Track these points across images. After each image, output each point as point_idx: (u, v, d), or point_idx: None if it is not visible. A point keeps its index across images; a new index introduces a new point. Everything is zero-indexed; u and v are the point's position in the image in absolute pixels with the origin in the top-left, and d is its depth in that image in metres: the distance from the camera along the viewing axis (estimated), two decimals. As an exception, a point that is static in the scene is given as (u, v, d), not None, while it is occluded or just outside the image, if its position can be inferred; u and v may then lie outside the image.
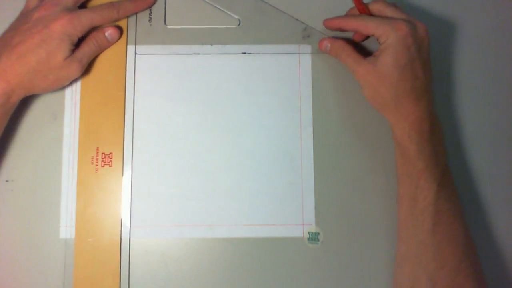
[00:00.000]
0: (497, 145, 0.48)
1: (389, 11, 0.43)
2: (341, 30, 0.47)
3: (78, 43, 0.44)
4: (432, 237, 0.40)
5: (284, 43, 0.48)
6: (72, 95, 0.47)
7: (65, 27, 0.42)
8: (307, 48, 0.48)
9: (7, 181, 0.46)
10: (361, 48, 0.47)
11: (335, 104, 0.47)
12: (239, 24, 0.48)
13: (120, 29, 0.47)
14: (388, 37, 0.40)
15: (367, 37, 0.47)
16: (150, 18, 0.48)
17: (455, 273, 0.39)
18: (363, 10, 0.44)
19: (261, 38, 0.48)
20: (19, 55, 0.42)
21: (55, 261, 0.45)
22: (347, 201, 0.46)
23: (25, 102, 0.47)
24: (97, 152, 0.46)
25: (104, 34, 0.46)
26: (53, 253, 0.45)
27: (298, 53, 0.48)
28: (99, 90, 0.47)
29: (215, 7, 0.49)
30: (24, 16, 0.44)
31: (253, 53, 0.48)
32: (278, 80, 0.47)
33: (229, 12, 0.49)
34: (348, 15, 0.46)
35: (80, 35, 0.44)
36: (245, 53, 0.48)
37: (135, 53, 0.48)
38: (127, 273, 0.45)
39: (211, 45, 0.48)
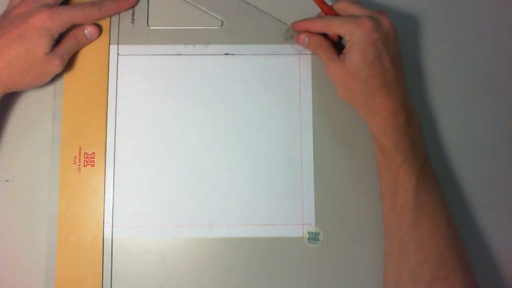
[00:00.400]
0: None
1: (353, 9, 0.43)
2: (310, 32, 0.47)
3: (57, 40, 0.44)
4: (413, 231, 0.40)
5: (267, 44, 0.48)
6: (55, 95, 0.47)
7: (44, 21, 0.42)
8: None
9: (7, 181, 0.46)
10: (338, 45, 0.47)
11: (335, 104, 0.47)
12: (222, 25, 0.48)
13: (99, 28, 0.47)
14: (353, 34, 0.41)
15: (341, 37, 0.47)
16: (133, 19, 0.48)
17: (437, 267, 0.39)
18: (328, 11, 0.45)
19: (244, 39, 0.48)
20: None
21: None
22: (347, 201, 0.46)
23: (34, 102, 0.47)
24: (80, 152, 0.46)
25: (84, 31, 0.46)
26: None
27: (299, 54, 0.48)
28: (82, 90, 0.46)
29: (198, 8, 0.48)
30: (5, 15, 0.44)
31: (236, 54, 0.48)
32: (278, 80, 0.48)
33: (212, 13, 0.48)
34: (315, 17, 0.47)
35: (60, 30, 0.43)
36: (227, 54, 0.48)
37: (118, 53, 0.47)
38: (110, 273, 0.45)
39: (194, 45, 0.48)
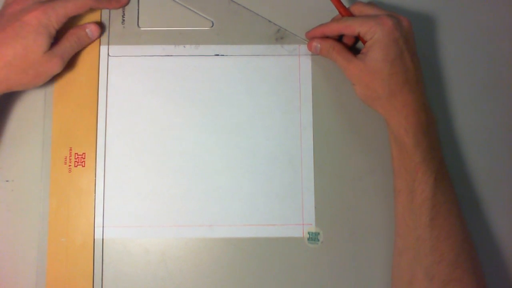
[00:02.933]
0: (489, 140, 0.49)
1: (370, 10, 0.44)
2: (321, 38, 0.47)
3: (57, 40, 0.44)
4: (430, 231, 0.40)
5: (257, 44, 0.48)
6: (46, 96, 0.47)
7: (39, 18, 0.41)
8: (307, 49, 0.48)
9: (7, 181, 0.46)
10: (351, 48, 0.48)
11: (335, 104, 0.48)
12: (212, 25, 0.48)
13: (101, 27, 0.47)
14: (375, 32, 0.41)
15: (356, 40, 0.47)
16: (123, 19, 0.48)
17: (453, 267, 0.39)
18: (345, 13, 0.45)
19: (234, 39, 0.48)
20: None
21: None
22: (347, 201, 0.46)
23: (25, 102, 0.46)
24: (70, 152, 0.46)
25: (85, 30, 0.45)
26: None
27: (298, 55, 0.48)
28: (72, 91, 0.46)
29: (188, 8, 0.48)
30: (0, 15, 0.43)
31: (226, 55, 0.48)
32: (277, 81, 0.48)
33: (202, 14, 0.48)
34: (331, 21, 0.47)
35: (56, 26, 0.42)
36: (218, 55, 0.48)
37: (108, 54, 0.47)
38: (100, 273, 0.45)
39: (184, 46, 0.48)
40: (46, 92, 0.47)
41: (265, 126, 0.47)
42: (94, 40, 0.47)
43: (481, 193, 0.48)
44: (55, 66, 0.43)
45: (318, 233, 0.46)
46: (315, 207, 0.46)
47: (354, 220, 0.46)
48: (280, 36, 0.49)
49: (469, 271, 0.40)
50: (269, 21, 0.49)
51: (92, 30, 0.46)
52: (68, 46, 0.44)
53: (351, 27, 0.43)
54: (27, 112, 0.47)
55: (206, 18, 0.49)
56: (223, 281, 0.45)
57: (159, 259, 0.45)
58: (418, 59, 0.43)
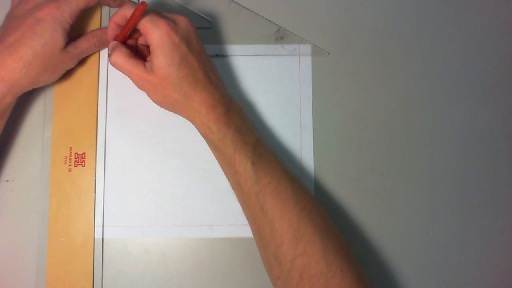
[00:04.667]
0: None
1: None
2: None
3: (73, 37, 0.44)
4: (264, 217, 0.40)
5: (257, 44, 0.48)
6: (46, 96, 0.47)
7: (53, 14, 0.41)
8: (307, 49, 0.48)
9: (7, 181, 0.46)
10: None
11: (335, 104, 0.48)
12: (212, 25, 0.48)
13: None
14: (153, 38, 0.39)
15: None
16: (123, 19, 0.48)
17: (294, 245, 0.39)
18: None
19: (233, 39, 0.48)
20: (11, 50, 0.40)
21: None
22: (347, 201, 0.47)
23: (25, 102, 0.46)
24: (70, 152, 0.46)
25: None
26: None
27: (298, 55, 0.48)
28: (73, 91, 0.46)
29: (187, 8, 0.48)
30: (10, 14, 0.43)
31: (226, 55, 0.48)
32: (277, 81, 0.48)
33: (201, 14, 0.48)
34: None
35: (70, 21, 0.42)
36: (217, 55, 0.48)
37: (108, 54, 0.48)
38: (100, 273, 0.45)
39: (184, 46, 0.48)
40: (46, 92, 0.47)
41: (265, 126, 0.47)
42: None
43: (481, 193, 0.48)
44: (71, 64, 0.44)
45: (318, 233, 0.46)
46: (315, 207, 0.46)
47: (354, 220, 0.46)
48: (280, 36, 0.49)
49: (312, 239, 0.39)
50: (269, 21, 0.49)
51: None
52: (86, 47, 0.45)
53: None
54: (27, 112, 0.47)
55: (206, 18, 0.49)
56: (223, 281, 0.45)
57: (159, 259, 0.45)
58: (205, 56, 0.42)
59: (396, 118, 0.48)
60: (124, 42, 0.43)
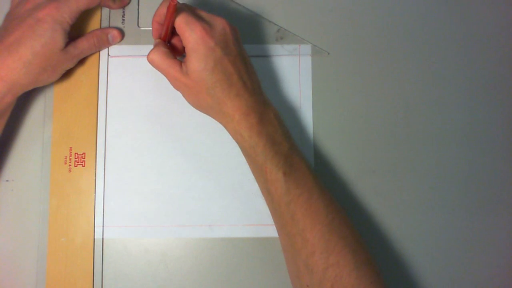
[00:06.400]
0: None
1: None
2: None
3: (73, 37, 0.44)
4: (295, 226, 0.40)
5: (258, 44, 0.48)
6: (46, 96, 0.47)
7: (53, 15, 0.41)
8: (307, 49, 0.48)
9: (7, 181, 0.46)
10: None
11: (335, 104, 0.48)
12: (212, 25, 0.49)
13: (122, 34, 0.47)
14: (188, 41, 0.39)
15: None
16: (123, 19, 0.48)
17: (326, 255, 0.39)
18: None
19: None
20: (11, 50, 0.40)
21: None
22: (347, 201, 0.46)
23: (25, 102, 0.46)
24: (70, 152, 0.46)
25: (107, 35, 0.46)
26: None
27: (299, 55, 0.48)
28: (72, 91, 0.46)
29: (188, 8, 0.49)
30: (10, 15, 0.43)
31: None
32: (277, 81, 0.48)
33: (201, 14, 0.49)
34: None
35: (70, 22, 0.42)
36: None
37: (108, 54, 0.47)
38: (100, 273, 0.45)
39: (184, 46, 0.48)
40: (46, 92, 0.47)
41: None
42: (113, 45, 0.47)
43: (482, 193, 0.48)
44: (71, 63, 0.44)
45: (318, 233, 0.46)
46: (315, 207, 0.46)
47: (354, 220, 0.46)
48: (280, 36, 0.49)
49: (344, 250, 0.39)
50: (269, 21, 0.49)
51: (113, 35, 0.47)
52: (86, 47, 0.45)
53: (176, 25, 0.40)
54: (27, 112, 0.47)
55: (206, 18, 0.49)
56: (223, 281, 0.45)
57: (159, 259, 0.45)
58: (243, 58, 0.41)
59: (397, 118, 0.48)
60: (168, 41, 0.43)
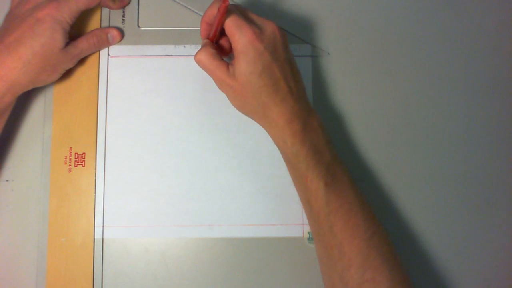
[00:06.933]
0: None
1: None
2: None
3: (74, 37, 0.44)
4: (333, 238, 0.39)
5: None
6: (46, 96, 0.47)
7: (52, 15, 0.41)
8: (307, 49, 0.48)
9: (7, 181, 0.46)
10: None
11: (335, 104, 0.48)
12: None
13: (122, 34, 0.47)
14: (237, 43, 0.39)
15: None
16: (123, 20, 0.48)
17: (362, 270, 0.38)
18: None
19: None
20: (10, 50, 0.40)
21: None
22: None
23: (25, 102, 0.46)
24: (70, 152, 0.46)
25: (107, 35, 0.46)
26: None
27: (298, 56, 0.48)
28: (72, 91, 0.46)
29: (188, 8, 0.48)
30: (10, 14, 0.43)
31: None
32: None
33: (202, 14, 0.48)
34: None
35: (70, 22, 0.42)
36: (217, 55, 0.48)
37: (108, 54, 0.47)
38: (100, 273, 0.45)
39: (184, 46, 0.48)
40: (46, 92, 0.47)
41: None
42: (113, 45, 0.47)
43: (482, 193, 0.48)
44: (71, 63, 0.44)
45: (318, 233, 0.46)
46: (315, 207, 0.46)
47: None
48: (280, 36, 0.49)
49: (381, 267, 0.39)
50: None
51: (113, 35, 0.47)
52: (86, 47, 0.45)
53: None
54: (27, 112, 0.47)
55: (206, 18, 0.49)
56: (223, 281, 0.45)
57: (159, 259, 0.45)
58: (290, 65, 0.41)
59: (397, 118, 0.48)
60: (216, 42, 0.43)
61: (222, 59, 0.41)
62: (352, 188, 0.41)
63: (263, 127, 0.42)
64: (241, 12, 0.40)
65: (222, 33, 0.42)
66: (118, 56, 0.48)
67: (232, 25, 0.39)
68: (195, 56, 0.41)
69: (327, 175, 0.40)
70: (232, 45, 0.40)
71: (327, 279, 0.41)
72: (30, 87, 0.43)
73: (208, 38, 0.43)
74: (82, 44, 0.44)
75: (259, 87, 0.39)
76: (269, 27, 0.40)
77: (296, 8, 0.49)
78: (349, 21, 0.49)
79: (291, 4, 0.49)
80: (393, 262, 0.40)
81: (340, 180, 0.40)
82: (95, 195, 0.46)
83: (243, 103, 0.41)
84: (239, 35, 0.39)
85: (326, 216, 0.39)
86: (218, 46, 0.43)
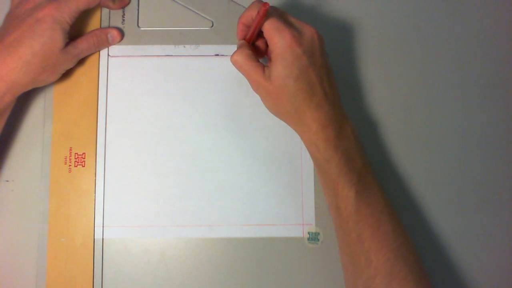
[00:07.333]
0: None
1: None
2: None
3: (73, 37, 0.44)
4: (360, 246, 0.39)
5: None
6: (46, 96, 0.47)
7: (52, 15, 0.41)
8: None
9: (7, 181, 0.46)
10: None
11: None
12: (212, 25, 0.48)
13: (122, 34, 0.47)
14: (275, 46, 0.39)
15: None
16: (123, 20, 0.48)
17: (388, 279, 0.38)
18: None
19: (234, 39, 0.47)
20: (10, 50, 0.40)
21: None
22: None
23: (25, 102, 0.46)
24: (70, 152, 0.46)
25: (107, 35, 0.46)
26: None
27: None
28: (72, 91, 0.46)
29: (188, 8, 0.48)
30: (10, 15, 0.43)
31: (226, 55, 0.48)
32: None
33: (202, 14, 0.48)
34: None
35: (70, 22, 0.42)
36: (218, 55, 0.48)
37: (108, 54, 0.47)
38: (100, 273, 0.45)
39: (184, 46, 0.48)
40: (46, 92, 0.47)
41: (265, 126, 0.47)
42: (112, 45, 0.47)
43: (482, 192, 0.48)
44: (71, 63, 0.44)
45: (318, 233, 0.46)
46: (315, 207, 0.46)
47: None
48: (280, 36, 0.49)
49: (407, 278, 0.39)
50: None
51: (113, 35, 0.47)
52: (85, 47, 0.45)
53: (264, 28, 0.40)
54: (27, 112, 0.47)
55: (206, 18, 0.49)
56: (223, 281, 0.45)
57: (159, 259, 0.45)
58: (326, 70, 0.41)
59: (397, 118, 0.48)
60: (253, 43, 0.43)
61: (258, 61, 0.41)
62: (382, 197, 0.41)
63: (295, 130, 0.42)
64: (280, 15, 0.40)
65: (258, 34, 0.42)
66: (118, 56, 0.47)
67: (271, 28, 0.39)
68: (231, 57, 0.41)
69: (358, 183, 0.39)
70: (270, 48, 0.39)
71: (350, 286, 0.41)
72: (30, 87, 0.43)
73: (244, 39, 0.42)
74: (82, 44, 0.44)
75: (294, 91, 0.39)
76: (308, 31, 0.40)
77: (296, 8, 0.49)
78: (349, 21, 0.49)
79: (291, 4, 0.49)
80: (419, 274, 0.39)
81: (371, 188, 0.40)
82: (95, 195, 0.46)
83: (277, 106, 0.41)
84: (278, 38, 0.38)
85: (355, 224, 0.39)
86: (254, 47, 0.43)
